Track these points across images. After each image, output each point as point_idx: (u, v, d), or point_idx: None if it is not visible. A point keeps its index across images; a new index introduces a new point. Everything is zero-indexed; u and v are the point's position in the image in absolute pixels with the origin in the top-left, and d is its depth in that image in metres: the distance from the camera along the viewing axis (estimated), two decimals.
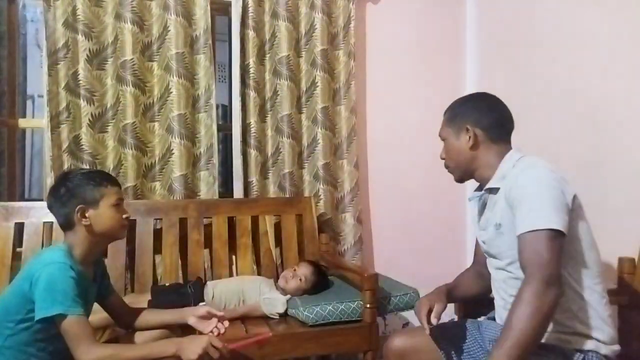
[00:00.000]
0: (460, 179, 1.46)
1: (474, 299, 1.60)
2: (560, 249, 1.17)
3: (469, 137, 1.38)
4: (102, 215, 1.40)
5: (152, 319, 1.57)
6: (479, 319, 1.55)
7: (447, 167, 1.48)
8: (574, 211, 1.24)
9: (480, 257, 1.56)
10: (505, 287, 1.35)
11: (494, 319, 1.46)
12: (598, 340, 1.23)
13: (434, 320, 1.36)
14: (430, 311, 1.38)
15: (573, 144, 2.08)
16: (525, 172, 1.26)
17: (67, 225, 1.41)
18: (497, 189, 1.33)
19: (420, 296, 2.14)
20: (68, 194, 1.39)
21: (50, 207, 1.43)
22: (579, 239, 1.25)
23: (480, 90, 1.52)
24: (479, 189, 1.46)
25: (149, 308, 1.63)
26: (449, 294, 1.50)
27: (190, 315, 1.55)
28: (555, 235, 1.16)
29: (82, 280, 1.36)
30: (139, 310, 1.60)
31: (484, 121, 1.38)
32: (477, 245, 1.59)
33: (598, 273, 1.28)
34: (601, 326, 1.24)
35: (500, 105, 1.42)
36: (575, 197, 1.25)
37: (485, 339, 1.40)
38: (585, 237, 1.27)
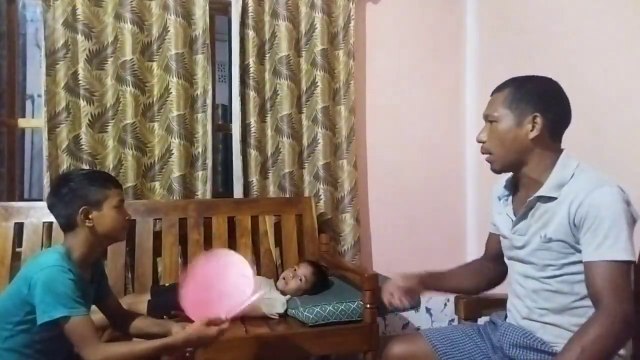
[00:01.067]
0: (501, 170, 1.31)
1: (467, 292, 1.55)
2: (631, 280, 1.13)
3: (533, 127, 1.23)
4: (105, 216, 1.40)
5: (141, 326, 1.55)
6: (479, 323, 1.53)
7: (487, 152, 1.31)
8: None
9: (490, 252, 1.51)
10: (536, 297, 1.27)
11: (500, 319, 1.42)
12: (621, 356, 1.21)
13: (396, 296, 1.37)
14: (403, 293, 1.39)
15: (573, 144, 2.06)
16: (598, 191, 1.16)
17: (68, 226, 1.40)
18: (552, 198, 1.22)
19: (420, 297, 2.15)
20: (71, 194, 1.38)
21: (51, 208, 1.42)
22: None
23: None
24: (510, 187, 1.38)
25: (142, 315, 1.61)
26: (430, 280, 1.46)
27: (174, 327, 1.50)
28: (631, 267, 1.13)
29: (80, 282, 1.35)
30: (134, 315, 1.59)
31: (551, 112, 1.24)
32: (489, 240, 1.53)
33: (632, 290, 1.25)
34: (627, 343, 1.22)
35: (566, 98, 1.28)
36: (638, 218, 1.20)
37: (504, 342, 1.33)
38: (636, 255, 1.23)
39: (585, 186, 1.18)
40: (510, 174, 1.38)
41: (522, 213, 1.30)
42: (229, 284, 1.48)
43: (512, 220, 1.34)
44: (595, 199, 1.15)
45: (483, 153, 1.33)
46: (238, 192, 2.47)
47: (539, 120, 1.23)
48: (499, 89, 1.32)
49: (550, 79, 1.32)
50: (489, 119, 1.31)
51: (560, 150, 1.28)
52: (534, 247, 1.26)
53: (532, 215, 1.27)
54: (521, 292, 1.32)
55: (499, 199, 1.42)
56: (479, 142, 1.32)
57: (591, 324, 1.10)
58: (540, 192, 1.24)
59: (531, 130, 1.24)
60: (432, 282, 1.48)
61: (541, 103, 1.24)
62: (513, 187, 1.38)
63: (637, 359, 1.26)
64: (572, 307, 1.22)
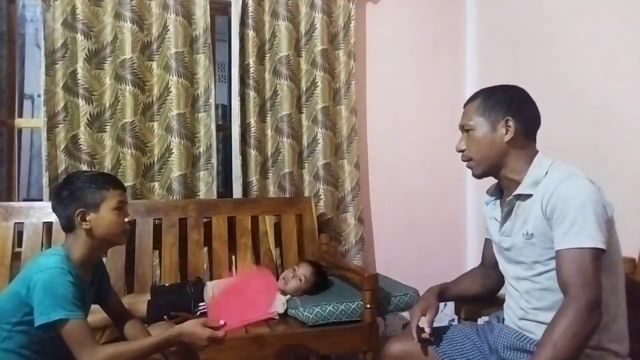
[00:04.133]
0: (482, 175, 1.37)
1: (472, 299, 1.58)
2: (601, 269, 1.14)
3: (507, 130, 1.29)
4: (102, 219, 1.39)
5: (132, 333, 1.54)
6: (478, 322, 1.53)
7: (468, 159, 1.37)
8: (611, 224, 1.21)
9: (488, 258, 1.53)
10: (529, 297, 1.29)
11: (497, 320, 1.43)
12: (617, 354, 1.22)
13: (427, 330, 1.37)
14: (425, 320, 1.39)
15: (574, 144, 2.07)
16: (566, 183, 1.20)
17: (68, 227, 1.40)
18: (529, 195, 1.27)
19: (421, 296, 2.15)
20: (70, 196, 1.38)
21: (53, 209, 1.43)
22: (613, 252, 1.21)
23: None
24: (497, 192, 1.42)
25: (135, 319, 1.61)
26: (443, 293, 1.49)
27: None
28: (599, 254, 1.14)
29: (80, 284, 1.35)
30: (131, 318, 1.59)
31: (522, 115, 1.30)
32: (485, 246, 1.55)
33: (624, 285, 1.26)
34: (622, 339, 1.23)
35: (533, 101, 1.35)
36: (613, 210, 1.22)
37: (498, 344, 1.34)
38: (617, 250, 1.24)
39: (555, 180, 1.22)
40: (495, 181, 1.42)
41: (505, 212, 1.35)
42: (249, 296, 1.49)
43: (499, 222, 1.38)
44: (562, 190, 1.19)
45: (464, 161, 1.38)
46: (237, 192, 2.47)
47: (511, 123, 1.29)
48: (470, 100, 1.39)
49: (516, 86, 1.38)
50: (465, 128, 1.37)
51: (536, 151, 1.34)
52: (519, 245, 1.29)
53: (515, 215, 1.32)
54: (515, 294, 1.34)
55: (487, 205, 1.46)
56: (459, 151, 1.38)
57: (559, 315, 1.13)
58: (518, 190, 1.30)
59: (505, 134, 1.30)
60: (445, 297, 1.51)
61: (511, 108, 1.31)
62: (499, 192, 1.42)
63: (634, 356, 1.27)
64: None
